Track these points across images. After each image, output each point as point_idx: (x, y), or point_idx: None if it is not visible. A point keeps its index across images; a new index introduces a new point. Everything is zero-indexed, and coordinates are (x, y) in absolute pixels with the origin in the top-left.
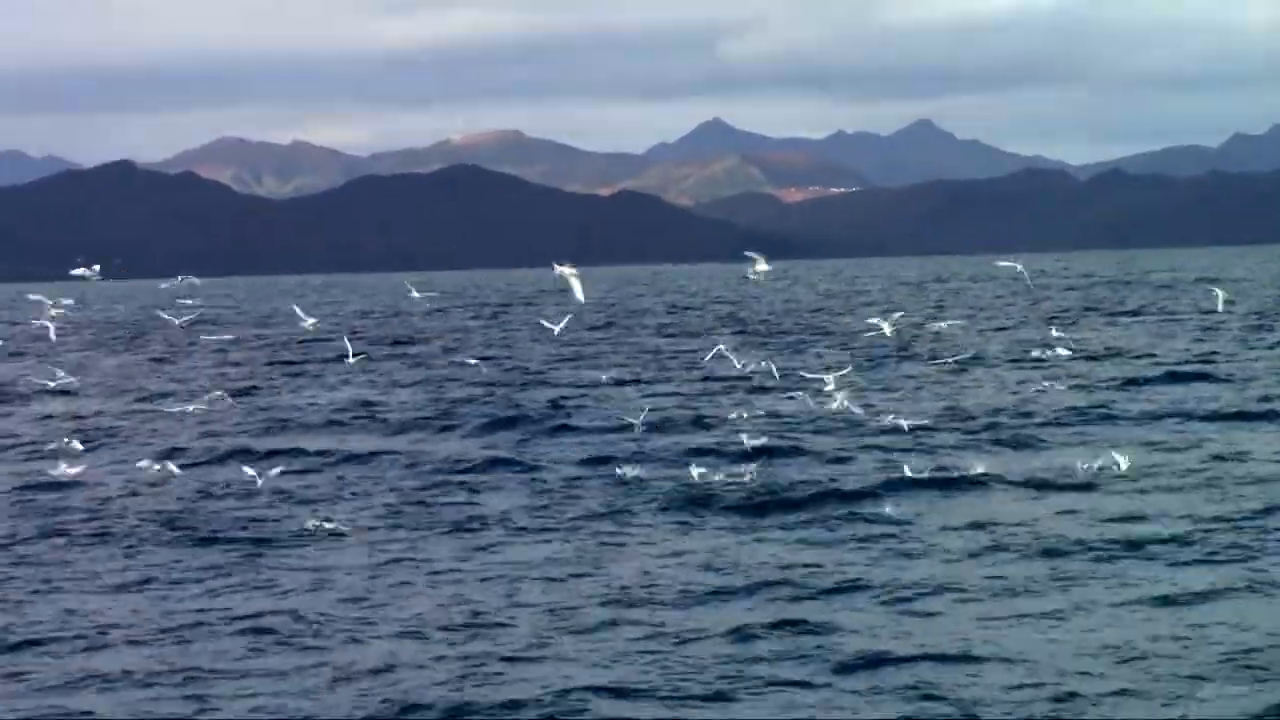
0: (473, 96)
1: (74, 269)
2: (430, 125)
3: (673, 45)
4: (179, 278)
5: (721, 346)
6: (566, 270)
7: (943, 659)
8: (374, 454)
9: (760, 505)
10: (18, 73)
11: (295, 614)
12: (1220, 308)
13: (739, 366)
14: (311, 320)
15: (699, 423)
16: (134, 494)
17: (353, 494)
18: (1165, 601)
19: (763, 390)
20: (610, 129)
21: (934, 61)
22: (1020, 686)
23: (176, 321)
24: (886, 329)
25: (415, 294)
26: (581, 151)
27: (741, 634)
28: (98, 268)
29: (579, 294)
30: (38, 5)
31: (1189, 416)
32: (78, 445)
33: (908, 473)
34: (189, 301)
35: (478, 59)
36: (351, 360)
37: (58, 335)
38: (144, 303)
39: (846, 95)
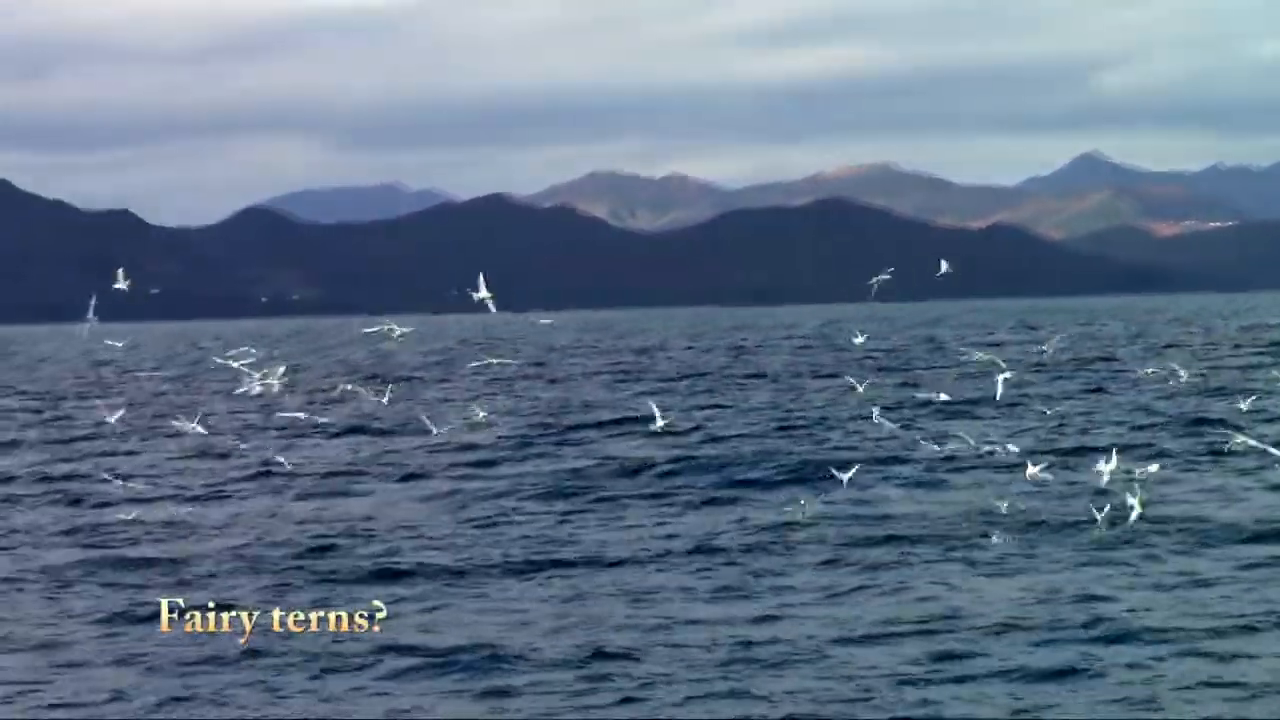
0: (845, 130)
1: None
2: (802, 159)
3: (1048, 78)
4: (385, 325)
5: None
6: None
7: None
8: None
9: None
10: (395, 108)
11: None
12: None
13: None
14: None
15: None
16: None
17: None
18: None
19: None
20: (983, 162)
21: None
22: None
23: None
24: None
25: (858, 339)
26: (953, 184)
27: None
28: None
29: None
30: (416, 42)
31: None
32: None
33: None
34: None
35: (851, 93)
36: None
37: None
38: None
39: (1223, 128)
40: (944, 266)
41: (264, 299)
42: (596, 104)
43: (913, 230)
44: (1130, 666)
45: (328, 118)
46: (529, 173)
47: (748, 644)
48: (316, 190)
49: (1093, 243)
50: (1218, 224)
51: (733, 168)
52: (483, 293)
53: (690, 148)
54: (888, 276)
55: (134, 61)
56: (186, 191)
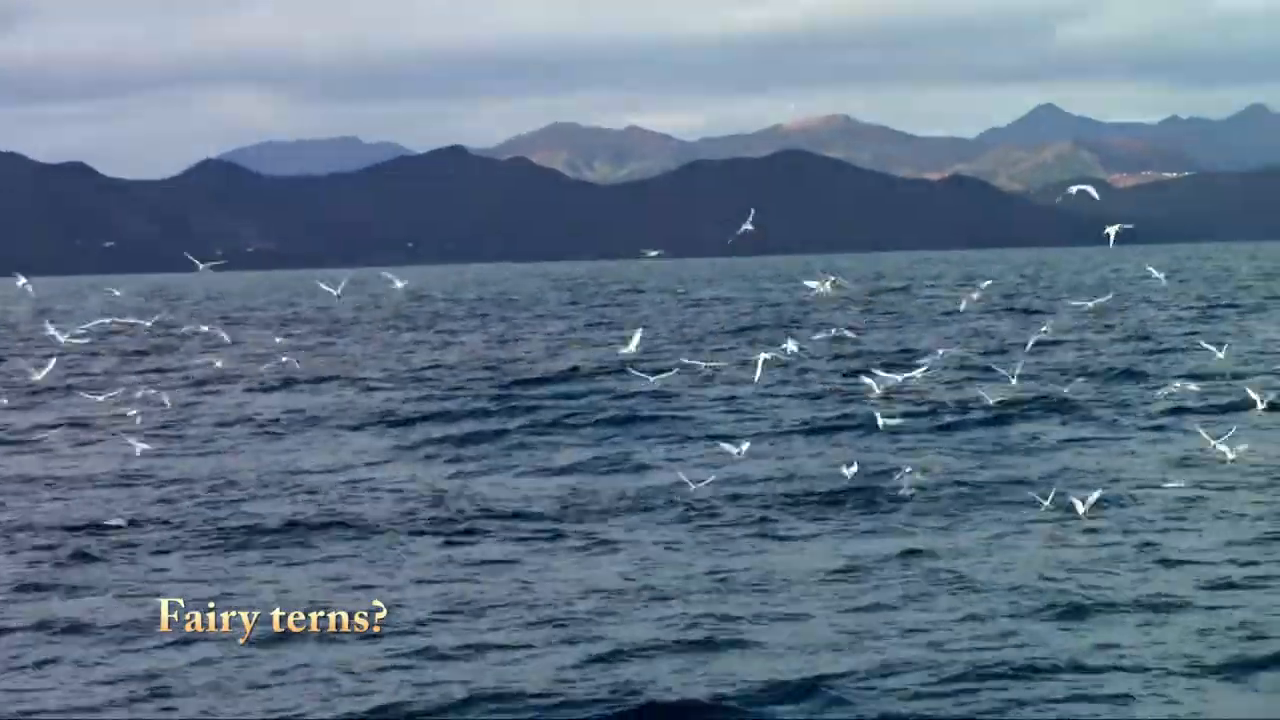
0: (804, 81)
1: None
2: (762, 110)
3: (1008, 30)
4: (204, 264)
5: None
6: None
7: None
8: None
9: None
10: (354, 60)
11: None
12: None
13: None
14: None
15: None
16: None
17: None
18: None
19: None
20: (942, 113)
21: (1271, 45)
22: None
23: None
24: None
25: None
26: (912, 136)
27: None
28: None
29: None
30: None
31: None
32: None
33: None
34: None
35: (810, 44)
36: None
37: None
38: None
39: (1180, 80)
40: (1111, 232)
41: (219, 251)
42: (556, 56)
43: (872, 181)
44: (936, 625)
45: (286, 71)
46: (487, 124)
47: (570, 602)
48: (274, 143)
49: (1052, 193)
50: (1175, 175)
51: (691, 119)
52: (747, 226)
53: (649, 99)
54: (1128, 226)
55: (92, 15)
56: (144, 145)
